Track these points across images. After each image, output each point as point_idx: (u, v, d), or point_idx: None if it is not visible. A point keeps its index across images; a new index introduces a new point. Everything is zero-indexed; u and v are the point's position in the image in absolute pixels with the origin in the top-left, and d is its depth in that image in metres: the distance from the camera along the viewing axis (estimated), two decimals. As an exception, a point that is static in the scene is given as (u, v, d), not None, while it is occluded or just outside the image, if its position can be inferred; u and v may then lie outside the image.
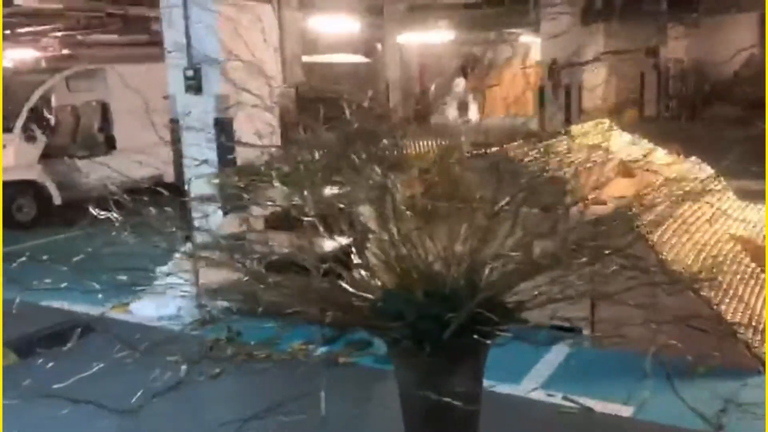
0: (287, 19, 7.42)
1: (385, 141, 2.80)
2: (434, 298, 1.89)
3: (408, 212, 2.11)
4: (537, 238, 2.37)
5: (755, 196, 6.74)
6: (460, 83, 20.43)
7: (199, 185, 4.69)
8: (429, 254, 1.99)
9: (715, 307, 3.68)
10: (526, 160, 4.16)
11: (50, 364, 4.04)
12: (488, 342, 1.92)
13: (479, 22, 19.69)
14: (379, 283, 1.98)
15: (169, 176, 9.49)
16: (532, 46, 22.01)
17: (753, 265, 4.54)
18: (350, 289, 2.03)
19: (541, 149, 4.62)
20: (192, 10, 5.22)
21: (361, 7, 14.07)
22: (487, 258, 1.97)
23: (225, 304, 4.76)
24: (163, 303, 4.86)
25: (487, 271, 1.96)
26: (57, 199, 7.75)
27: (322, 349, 4.05)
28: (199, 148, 5.03)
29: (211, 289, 4.60)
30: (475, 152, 3.39)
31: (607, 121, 6.52)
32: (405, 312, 1.89)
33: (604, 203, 4.02)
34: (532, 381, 3.57)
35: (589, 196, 4.12)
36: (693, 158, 5.99)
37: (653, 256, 3.75)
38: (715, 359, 3.57)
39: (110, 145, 8.72)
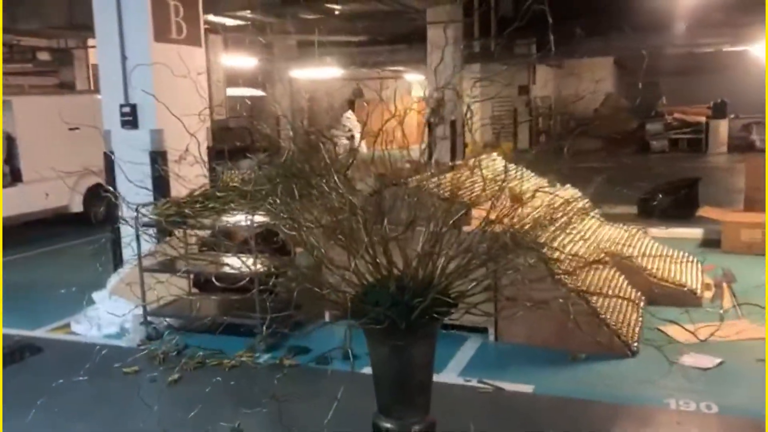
0: (212, 59, 7.90)
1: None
2: (402, 291, 2.56)
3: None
4: (458, 251, 3.02)
5: (612, 219, 7.91)
6: (349, 116, 21.30)
7: (131, 215, 5.03)
8: (396, 261, 2.66)
9: (591, 304, 4.57)
10: (435, 188, 4.92)
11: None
12: (440, 320, 2.60)
13: (365, 59, 20.76)
14: (364, 281, 2.62)
15: (77, 206, 9.58)
16: (414, 82, 23.31)
17: (617, 273, 5.52)
18: (337, 287, 2.63)
19: (446, 179, 5.41)
20: (128, 50, 5.65)
21: (256, 43, 14.64)
22: (436, 263, 2.66)
23: (169, 321, 5.18)
24: (104, 323, 5.16)
25: (438, 272, 2.64)
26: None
27: (265, 356, 4.58)
28: (135, 180, 5.39)
29: (155, 308, 4.99)
30: (393, 183, 4.07)
31: (494, 155, 7.47)
32: (382, 301, 2.54)
33: (501, 222, 4.82)
34: (451, 370, 4.28)
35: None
36: (568, 185, 7.03)
37: (540, 264, 4.60)
38: (591, 347, 4.44)
39: (16, 177, 8.75)
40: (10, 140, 8.86)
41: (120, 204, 5.72)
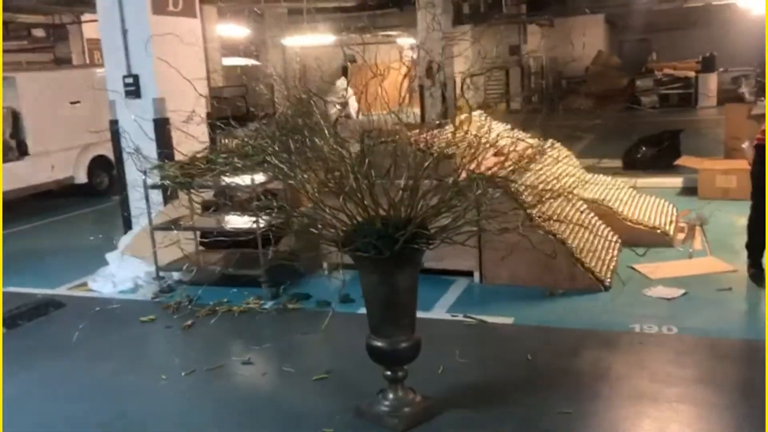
0: (208, 29, 8.13)
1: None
2: (387, 226, 2.94)
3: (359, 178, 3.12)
4: (439, 194, 3.38)
5: (599, 172, 8.26)
6: (342, 83, 21.49)
7: (139, 180, 5.39)
8: (382, 203, 3.04)
9: (568, 245, 4.96)
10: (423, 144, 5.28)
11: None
12: (423, 250, 2.99)
13: (356, 25, 20.90)
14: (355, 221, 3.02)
15: (82, 177, 9.94)
16: (408, 46, 23.44)
17: (597, 219, 5.91)
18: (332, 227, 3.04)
19: (434, 135, 5.76)
20: (128, 23, 5.95)
21: (249, 12, 14.84)
22: (416, 202, 3.04)
23: (179, 275, 5.58)
24: (119, 280, 5.56)
25: (418, 209, 3.02)
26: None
27: (270, 302, 4.99)
28: (142, 145, 5.73)
29: (166, 264, 5.39)
30: (384, 140, 4.39)
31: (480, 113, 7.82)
32: (369, 235, 2.92)
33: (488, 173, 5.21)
34: (439, 308, 4.69)
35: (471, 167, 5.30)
36: (550, 141, 7.38)
37: (520, 210, 4.99)
38: (568, 284, 4.85)
39: (22, 150, 9.06)
40: (15, 115, 9.17)
41: (126, 170, 6.12)
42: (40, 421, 3.48)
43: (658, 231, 5.89)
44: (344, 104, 21.99)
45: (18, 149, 9.18)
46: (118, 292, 5.46)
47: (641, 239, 5.83)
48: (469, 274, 5.21)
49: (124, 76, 5.99)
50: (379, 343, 3.13)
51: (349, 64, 24.47)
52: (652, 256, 5.52)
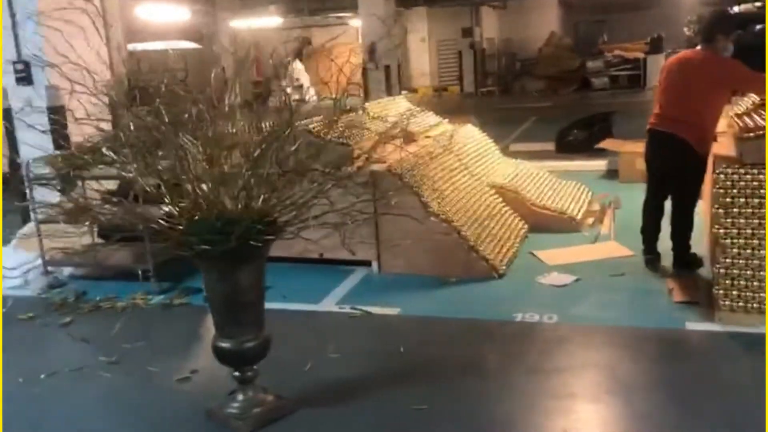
0: (110, 10, 7.83)
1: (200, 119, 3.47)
2: (224, 223, 2.80)
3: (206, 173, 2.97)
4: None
5: (529, 156, 8.22)
6: (296, 66, 21.15)
7: (36, 168, 5.19)
8: (221, 198, 2.89)
9: (461, 233, 4.88)
10: (323, 131, 5.13)
11: None
12: (261, 246, 2.85)
13: (307, 7, 20.58)
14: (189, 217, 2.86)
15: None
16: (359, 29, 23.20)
17: (504, 206, 5.83)
18: (166, 223, 2.87)
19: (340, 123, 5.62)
20: (17, 6, 5.69)
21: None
22: (254, 198, 2.90)
23: (70, 269, 5.39)
24: (9, 275, 5.35)
25: (256, 205, 2.89)
26: None
27: (159, 297, 4.83)
28: (34, 135, 5.50)
29: (55, 258, 5.19)
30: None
31: (400, 97, 7.69)
32: (203, 232, 2.79)
33: (383, 162, 5.09)
34: (330, 300, 4.58)
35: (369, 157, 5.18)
36: (469, 125, 7.27)
37: (416, 199, 4.88)
38: (462, 272, 4.77)
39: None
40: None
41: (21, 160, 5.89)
42: None
43: (566, 216, 5.84)
44: (300, 86, 21.70)
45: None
46: (7, 288, 5.25)
47: (549, 225, 5.80)
48: (368, 263, 5.11)
49: (14, 62, 5.74)
50: (223, 344, 3.00)
51: (304, 46, 24.13)
52: (557, 241, 5.50)
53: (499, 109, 16.56)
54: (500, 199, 5.81)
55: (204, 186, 2.92)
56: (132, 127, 3.27)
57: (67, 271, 5.38)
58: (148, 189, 2.98)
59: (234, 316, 2.99)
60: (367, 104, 6.55)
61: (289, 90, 14.76)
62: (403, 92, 21.21)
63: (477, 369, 3.50)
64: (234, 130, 3.14)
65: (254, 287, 2.99)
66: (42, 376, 3.68)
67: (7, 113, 5.94)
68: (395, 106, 7.01)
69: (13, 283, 5.32)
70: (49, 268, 5.24)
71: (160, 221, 2.89)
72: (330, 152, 4.29)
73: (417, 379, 3.41)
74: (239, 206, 2.88)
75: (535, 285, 4.60)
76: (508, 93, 21.00)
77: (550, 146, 9.79)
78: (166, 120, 3.12)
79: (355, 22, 22.75)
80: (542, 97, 18.74)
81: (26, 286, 5.24)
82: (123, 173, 3.16)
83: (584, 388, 3.31)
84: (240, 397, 3.10)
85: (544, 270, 4.85)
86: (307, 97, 20.34)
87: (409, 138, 6.22)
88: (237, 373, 3.06)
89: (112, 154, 3.13)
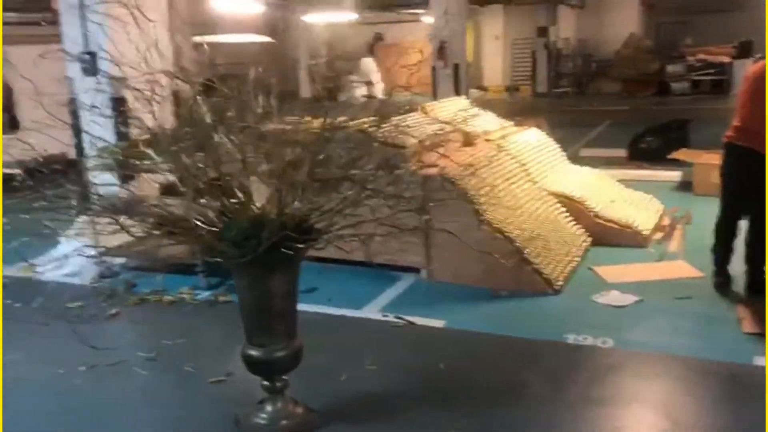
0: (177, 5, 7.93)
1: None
2: (253, 226, 2.70)
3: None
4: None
5: (600, 162, 7.88)
6: (367, 62, 21.11)
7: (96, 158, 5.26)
8: (255, 201, 2.79)
9: (514, 244, 4.64)
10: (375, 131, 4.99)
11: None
12: (293, 254, 2.73)
13: (381, 2, 20.49)
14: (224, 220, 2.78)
15: (73, 154, 9.89)
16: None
17: (565, 215, 5.54)
18: (202, 225, 2.80)
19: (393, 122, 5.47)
20: (86, -1, 5.78)
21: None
22: (289, 203, 2.77)
23: (122, 260, 5.44)
24: (66, 263, 5.46)
25: (291, 209, 2.77)
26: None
27: (206, 293, 4.81)
28: (96, 125, 5.58)
29: (109, 248, 5.24)
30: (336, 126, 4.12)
31: (462, 98, 7.46)
32: (233, 237, 2.69)
33: (436, 166, 4.91)
34: (373, 306, 4.44)
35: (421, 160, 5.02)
36: (534, 128, 6.98)
37: (468, 206, 4.68)
38: (512, 285, 4.55)
39: (14, 124, 9.06)
40: (8, 89, 9.16)
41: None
42: None
43: (631, 230, 5.51)
44: (370, 83, 21.67)
45: (10, 122, 9.18)
46: (62, 276, 5.34)
47: (613, 238, 5.50)
48: (417, 270, 4.95)
49: (80, 53, 5.83)
50: (252, 352, 2.90)
51: (376, 42, 24.07)
52: (620, 256, 5.20)
53: (572, 111, 16.06)
54: (562, 209, 5.54)
55: (240, 185, 2.83)
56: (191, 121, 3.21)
57: (120, 261, 5.43)
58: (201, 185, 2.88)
59: (264, 324, 2.89)
60: (424, 104, 6.37)
61: (361, 87, 14.69)
62: (473, 91, 20.93)
63: (518, 394, 3.29)
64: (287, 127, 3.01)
65: (286, 296, 2.88)
66: (82, 368, 3.69)
67: (72, 103, 6.05)
68: (454, 107, 6.81)
69: (67, 270, 5.41)
70: (103, 258, 5.29)
71: (196, 221, 2.81)
72: (379, 154, 4.14)
73: (454, 400, 3.23)
74: (275, 210, 2.77)
75: (591, 304, 4.34)
76: (583, 94, 20.37)
77: (622, 153, 9.36)
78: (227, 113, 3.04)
79: (428, 19, 22.55)
80: (618, 100, 18.06)
81: (79, 275, 5.31)
82: (173, 168, 3.07)
83: (633, 425, 3.06)
84: (268, 407, 3.00)
85: (603, 288, 4.58)
86: (376, 93, 20.26)
87: (467, 141, 6.01)
88: (266, 383, 2.97)
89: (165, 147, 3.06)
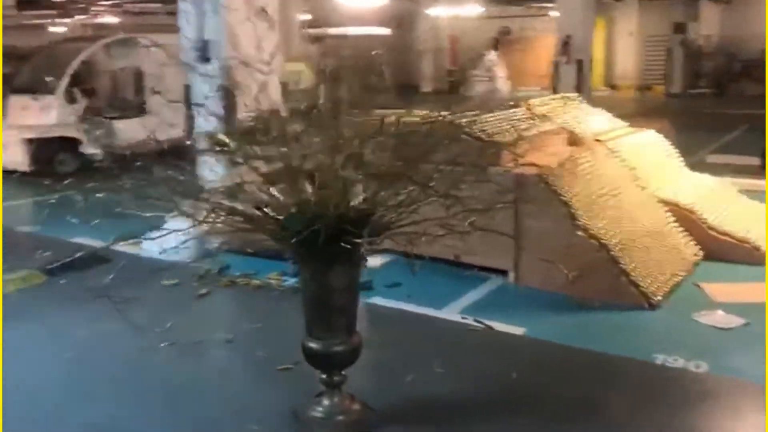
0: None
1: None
2: (313, 218, 2.67)
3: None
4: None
5: (732, 171, 7.30)
6: (491, 56, 20.75)
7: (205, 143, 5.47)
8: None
9: (612, 253, 4.34)
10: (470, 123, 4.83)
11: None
12: (351, 249, 2.66)
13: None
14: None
15: (188, 139, 10.41)
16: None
17: (671, 223, 5.13)
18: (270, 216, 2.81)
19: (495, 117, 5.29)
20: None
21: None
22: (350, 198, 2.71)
23: (218, 242, 5.62)
24: (168, 241, 5.70)
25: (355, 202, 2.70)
26: (94, 155, 8.67)
27: (292, 280, 4.87)
28: (207, 112, 5.81)
29: (209, 231, 5.43)
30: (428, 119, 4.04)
31: (574, 96, 7.08)
32: (294, 226, 2.67)
33: (534, 165, 4.68)
34: (454, 307, 4.31)
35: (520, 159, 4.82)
36: (651, 131, 6.52)
37: (564, 210, 4.42)
38: (607, 296, 4.27)
39: (142, 109, 9.62)
40: (138, 75, 9.75)
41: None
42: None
43: (749, 245, 5.03)
44: (492, 78, 21.32)
45: (138, 107, 9.76)
46: (164, 253, 5.58)
47: (727, 253, 5.06)
48: (505, 272, 4.76)
49: (195, 41, 6.07)
50: (310, 344, 2.88)
51: (500, 38, 23.64)
52: (733, 274, 4.77)
53: (707, 114, 15.01)
54: (672, 219, 5.14)
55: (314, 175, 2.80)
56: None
57: (217, 243, 5.61)
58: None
59: (323, 318, 2.85)
60: (532, 100, 6.11)
61: (483, 81, 14.35)
62: (602, 89, 20.03)
63: (592, 413, 3.05)
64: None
65: (346, 290, 2.83)
66: (163, 344, 3.82)
67: (187, 90, 6.32)
68: (563, 104, 6.49)
69: (170, 248, 5.65)
70: (203, 239, 5.49)
71: (261, 211, 2.82)
72: (473, 148, 3.99)
73: (521, 413, 3.06)
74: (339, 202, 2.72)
75: (690, 323, 3.99)
76: (722, 96, 18.97)
77: (756, 161, 8.61)
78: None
79: (555, 13, 21.86)
80: (761, 104, 16.66)
81: (178, 253, 5.52)
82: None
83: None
84: (325, 401, 2.96)
85: (707, 306, 4.20)
86: (499, 88, 19.88)
87: (573, 140, 5.72)
88: (324, 376, 2.93)
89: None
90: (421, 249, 4.79)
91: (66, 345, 3.84)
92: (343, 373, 2.95)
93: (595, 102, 10.38)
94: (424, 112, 3.39)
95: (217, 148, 3.64)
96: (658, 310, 4.19)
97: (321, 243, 2.61)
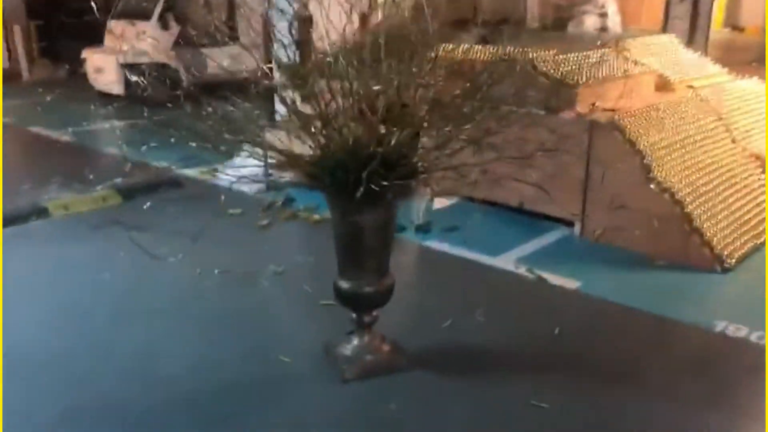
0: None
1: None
2: (351, 159, 2.60)
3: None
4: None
5: None
6: (602, -8, 19.55)
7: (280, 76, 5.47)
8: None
9: (686, 210, 4.02)
10: (541, 64, 4.56)
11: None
12: (385, 190, 2.58)
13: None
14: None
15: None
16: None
17: (764, 180, 4.70)
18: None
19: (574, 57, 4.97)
20: None
21: None
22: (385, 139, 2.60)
23: (287, 176, 5.67)
24: (239, 171, 5.80)
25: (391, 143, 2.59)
26: (185, 82, 8.91)
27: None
28: (283, 43, 5.75)
29: (277, 163, 5.48)
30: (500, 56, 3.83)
31: (671, 37, 6.53)
32: (328, 164, 2.62)
33: (611, 111, 4.38)
34: (510, 255, 4.17)
35: (595, 103, 4.53)
36: (755, 79, 5.94)
37: (637, 160, 4.12)
38: (674, 255, 4.01)
39: (233, 37, 9.69)
40: (231, 3, 9.81)
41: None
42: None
43: None
44: (605, 14, 20.18)
45: (229, 36, 9.86)
46: (234, 182, 5.70)
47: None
48: (571, 224, 4.56)
49: (275, -30, 6.00)
50: (341, 284, 2.87)
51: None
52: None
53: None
54: (762, 176, 4.74)
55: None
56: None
57: (287, 176, 5.66)
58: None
59: (354, 259, 2.82)
60: (625, 40, 5.69)
61: (593, 18, 13.45)
62: (723, 30, 18.48)
63: (632, 379, 2.90)
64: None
65: (379, 231, 2.77)
66: (216, 271, 3.93)
67: (266, 19, 6.29)
68: (657, 46, 6.00)
69: (241, 178, 5.76)
70: (270, 171, 5.56)
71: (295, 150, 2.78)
72: (539, 88, 3.77)
73: (556, 372, 2.95)
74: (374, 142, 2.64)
75: (763, 291, 3.69)
76: None
77: None
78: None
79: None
80: None
81: (246, 184, 5.62)
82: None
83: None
84: (355, 340, 2.97)
85: (788, 274, 3.88)
86: (610, 25, 18.78)
87: (662, 85, 5.31)
88: (354, 316, 2.93)
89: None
90: (485, 194, 4.69)
91: (126, 267, 3.99)
92: (374, 313, 2.93)
93: (711, 45, 9.63)
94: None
95: (289, 81, 3.57)
96: (730, 274, 3.90)
97: (352, 184, 2.56)
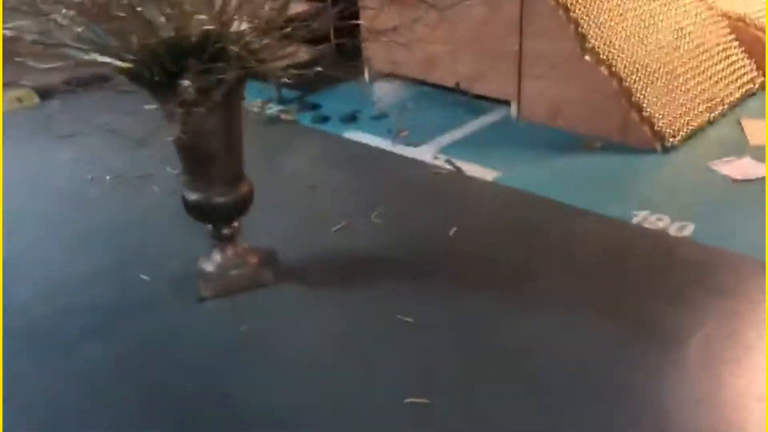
0: None
1: None
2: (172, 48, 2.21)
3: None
4: None
5: None
6: None
7: None
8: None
9: (624, 84, 3.54)
10: None
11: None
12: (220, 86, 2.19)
13: None
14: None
15: None
16: None
17: (734, 45, 4.12)
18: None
19: None
20: None
21: None
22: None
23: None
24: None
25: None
26: None
27: (276, 108, 4.48)
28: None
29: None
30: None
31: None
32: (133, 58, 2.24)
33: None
34: (434, 144, 3.77)
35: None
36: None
37: (572, 29, 3.59)
38: (615, 135, 3.60)
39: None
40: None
41: None
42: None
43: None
44: None
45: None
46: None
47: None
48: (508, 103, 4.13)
49: None
50: (188, 196, 2.54)
51: None
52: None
53: None
54: (731, 38, 4.19)
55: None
56: None
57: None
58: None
59: (198, 167, 2.48)
60: None
61: None
62: None
63: (522, 281, 2.59)
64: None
65: (219, 135, 2.41)
66: (108, 177, 3.64)
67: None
68: None
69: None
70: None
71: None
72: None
73: (437, 280, 2.63)
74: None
75: (703, 172, 3.29)
76: None
77: None
78: None
79: None
80: None
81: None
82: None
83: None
84: (217, 256, 2.68)
85: (740, 151, 3.45)
86: None
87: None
88: (210, 227, 2.62)
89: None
90: (421, 75, 4.26)
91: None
92: (235, 224, 2.63)
93: None
94: None
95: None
96: (671, 154, 3.49)
97: (156, 80, 2.19)
